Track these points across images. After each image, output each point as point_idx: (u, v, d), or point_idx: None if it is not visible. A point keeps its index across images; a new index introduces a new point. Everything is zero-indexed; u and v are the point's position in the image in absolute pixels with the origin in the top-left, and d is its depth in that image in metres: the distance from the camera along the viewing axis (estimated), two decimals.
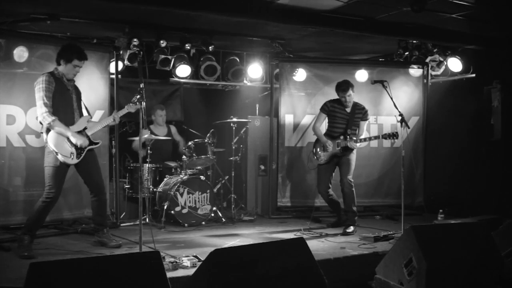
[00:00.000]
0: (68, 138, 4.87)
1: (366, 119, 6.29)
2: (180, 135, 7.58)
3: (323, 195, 6.37)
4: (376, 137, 6.16)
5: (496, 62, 7.24)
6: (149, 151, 6.67)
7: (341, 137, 6.15)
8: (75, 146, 4.90)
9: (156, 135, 7.03)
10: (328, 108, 6.29)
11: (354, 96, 6.21)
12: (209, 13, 5.94)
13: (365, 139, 6.17)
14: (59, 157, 4.80)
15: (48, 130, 4.83)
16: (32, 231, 4.87)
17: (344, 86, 6.12)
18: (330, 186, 6.33)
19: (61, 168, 4.89)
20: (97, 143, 5.12)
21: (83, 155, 4.97)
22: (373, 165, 7.53)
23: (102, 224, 5.23)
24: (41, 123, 4.87)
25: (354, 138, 6.10)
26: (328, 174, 6.29)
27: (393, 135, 5.88)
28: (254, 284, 3.06)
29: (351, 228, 6.01)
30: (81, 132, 4.99)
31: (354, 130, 6.17)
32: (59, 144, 4.83)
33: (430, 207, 7.37)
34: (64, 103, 4.95)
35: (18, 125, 5.63)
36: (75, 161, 4.93)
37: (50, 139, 4.81)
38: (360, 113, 6.23)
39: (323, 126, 6.49)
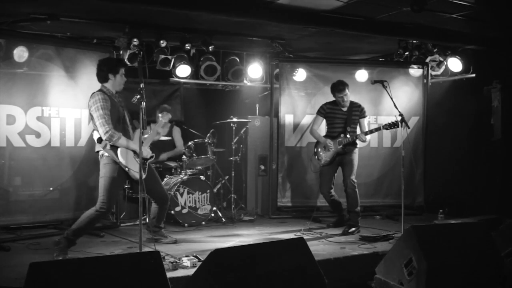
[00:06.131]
0: (134, 154, 4.84)
1: (365, 116, 6.28)
2: (181, 138, 7.57)
3: (325, 196, 6.38)
4: (377, 129, 6.09)
5: (496, 62, 7.23)
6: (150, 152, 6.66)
7: (341, 135, 6.14)
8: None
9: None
10: (325, 111, 6.30)
11: (350, 96, 6.21)
12: (209, 13, 5.94)
13: (366, 133, 6.10)
14: (132, 173, 4.75)
15: (114, 147, 4.74)
16: (75, 237, 4.76)
17: (340, 87, 6.12)
18: (333, 187, 6.33)
19: (119, 180, 4.81)
20: (152, 156, 5.10)
21: (147, 168, 4.95)
22: (373, 165, 7.53)
23: (158, 226, 5.40)
24: (99, 140, 4.75)
25: (358, 133, 6.08)
26: (331, 176, 6.29)
27: (394, 124, 5.81)
28: (254, 284, 3.06)
29: (353, 229, 6.00)
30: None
31: (353, 128, 6.17)
32: (130, 160, 4.78)
33: (430, 207, 7.38)
34: (119, 120, 4.88)
35: (18, 125, 5.63)
36: (144, 175, 4.80)
37: (121, 156, 4.72)
38: (357, 110, 6.23)
39: (322, 129, 6.49)
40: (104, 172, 4.78)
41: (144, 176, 4.87)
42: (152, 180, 5.03)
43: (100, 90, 4.88)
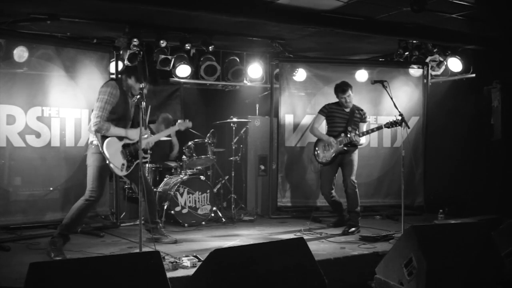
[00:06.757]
0: (122, 149, 4.89)
1: (365, 121, 6.30)
2: (176, 138, 7.57)
3: (326, 197, 6.38)
4: (378, 128, 6.08)
5: (496, 62, 7.23)
6: (149, 151, 6.66)
7: (342, 134, 6.14)
8: (127, 158, 4.93)
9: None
10: (327, 110, 6.30)
11: (353, 97, 6.21)
12: (209, 13, 5.94)
13: (367, 132, 6.11)
14: (111, 166, 4.78)
15: (104, 137, 4.79)
16: (68, 232, 4.78)
17: (344, 87, 6.13)
18: (333, 187, 6.33)
19: (106, 168, 4.83)
20: (146, 156, 5.16)
21: (132, 168, 4.99)
22: (373, 165, 7.53)
23: (154, 222, 5.34)
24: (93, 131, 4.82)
25: (357, 133, 6.07)
26: (331, 176, 6.29)
27: (395, 123, 5.77)
28: (254, 284, 3.06)
29: (353, 229, 6.00)
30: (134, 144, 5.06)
31: (354, 128, 6.16)
32: (113, 154, 4.80)
33: (430, 207, 7.38)
34: (122, 116, 4.94)
35: (18, 125, 5.63)
36: (124, 173, 4.94)
37: (106, 147, 4.75)
38: (359, 113, 6.24)
39: (322, 128, 6.49)
40: (92, 160, 4.82)
41: (126, 173, 4.97)
42: (136, 174, 5.01)
43: (117, 81, 4.94)
